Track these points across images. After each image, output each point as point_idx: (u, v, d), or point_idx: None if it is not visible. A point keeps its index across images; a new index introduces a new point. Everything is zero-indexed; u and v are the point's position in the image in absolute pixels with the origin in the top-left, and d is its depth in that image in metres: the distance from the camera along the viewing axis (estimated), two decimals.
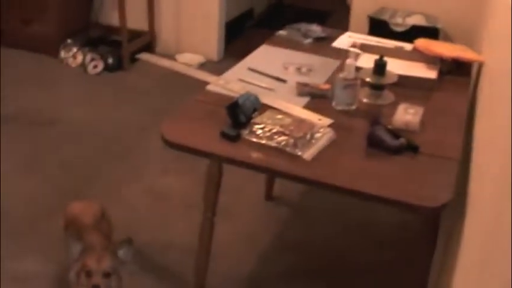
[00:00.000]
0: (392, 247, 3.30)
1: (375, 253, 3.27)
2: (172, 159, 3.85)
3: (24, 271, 3.00)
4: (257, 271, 3.13)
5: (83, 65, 5.15)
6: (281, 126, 2.43)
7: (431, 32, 3.87)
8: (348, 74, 2.60)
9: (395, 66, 2.81)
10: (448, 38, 4.10)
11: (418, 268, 2.45)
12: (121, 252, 2.53)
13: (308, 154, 2.30)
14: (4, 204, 3.40)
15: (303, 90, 2.74)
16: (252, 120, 2.45)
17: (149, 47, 5.53)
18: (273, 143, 2.35)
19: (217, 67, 2.88)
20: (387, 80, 2.73)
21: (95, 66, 5.11)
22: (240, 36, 6.05)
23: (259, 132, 2.39)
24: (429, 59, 3.02)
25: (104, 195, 3.47)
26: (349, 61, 2.60)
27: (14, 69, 5.04)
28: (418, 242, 2.45)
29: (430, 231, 2.37)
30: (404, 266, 3.11)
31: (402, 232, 3.40)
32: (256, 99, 2.51)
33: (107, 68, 5.14)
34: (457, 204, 2.34)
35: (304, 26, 3.42)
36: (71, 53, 5.23)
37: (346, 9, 4.77)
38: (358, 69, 2.66)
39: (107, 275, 2.45)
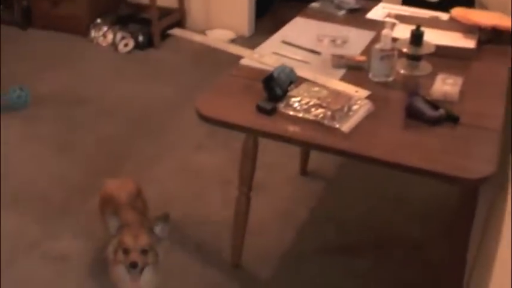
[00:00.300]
0: (429, 221, 3.26)
1: (410, 227, 3.22)
2: (205, 135, 3.84)
3: (62, 250, 3.02)
4: (293, 246, 3.10)
5: (114, 44, 5.15)
6: (318, 98, 2.39)
7: (466, 1, 3.78)
8: (384, 44, 2.54)
9: (432, 36, 2.74)
10: (483, 7, 4.00)
11: (456, 242, 2.40)
12: (157, 229, 2.52)
13: (346, 126, 2.26)
14: (39, 185, 3.42)
15: (339, 62, 2.70)
16: (288, 93, 2.41)
17: (179, 24, 5.50)
18: (310, 116, 2.31)
19: (249, 42, 2.84)
20: (424, 50, 2.66)
21: (126, 45, 5.10)
22: (269, 11, 5.99)
23: (295, 105, 2.36)
24: (467, 29, 2.95)
25: (138, 173, 3.46)
26: (385, 31, 2.54)
27: (45, 51, 5.05)
28: (456, 215, 2.40)
29: (469, 204, 2.32)
30: (441, 241, 3.07)
31: (439, 205, 3.35)
32: (292, 71, 2.47)
33: (138, 46, 5.12)
34: (497, 176, 2.28)
35: None
36: (101, 32, 5.23)
37: None
38: (394, 40, 2.60)
39: (144, 251, 2.45)
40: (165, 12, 5.32)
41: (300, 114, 2.32)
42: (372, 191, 3.48)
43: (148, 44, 5.15)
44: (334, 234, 3.18)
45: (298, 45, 2.86)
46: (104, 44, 5.18)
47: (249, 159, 2.63)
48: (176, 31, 5.28)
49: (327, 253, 3.07)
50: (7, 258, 2.94)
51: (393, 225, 3.24)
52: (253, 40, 4.90)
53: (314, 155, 3.52)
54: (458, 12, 3.06)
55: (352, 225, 3.24)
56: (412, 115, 2.35)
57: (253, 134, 2.49)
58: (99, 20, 5.28)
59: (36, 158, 3.63)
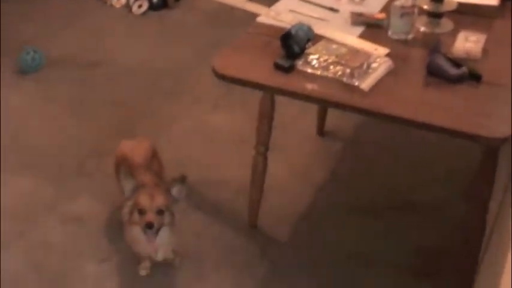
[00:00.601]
0: (447, 183, 3.21)
1: (429, 189, 3.19)
2: (222, 95, 3.80)
3: (78, 212, 3.01)
4: (311, 207, 3.08)
5: (128, 5, 5.08)
6: (336, 56, 2.34)
7: None
8: (404, 1, 2.48)
9: None
10: None
11: (476, 204, 2.36)
12: (174, 190, 2.49)
13: (366, 84, 2.22)
14: (54, 147, 3.40)
15: (357, 19, 2.64)
16: (306, 51, 2.36)
17: None
18: (328, 74, 2.27)
19: (265, 0, 2.78)
20: (446, 7, 2.60)
21: (140, 6, 5.03)
22: None
23: (314, 62, 2.31)
24: None
25: (154, 134, 3.43)
26: None
27: (58, 12, 4.99)
28: (476, 176, 2.35)
29: (489, 165, 2.27)
30: (460, 203, 3.03)
31: (459, 167, 3.30)
32: (310, 29, 2.42)
33: (152, 7, 5.05)
34: None
35: None
36: None
37: None
38: None
39: (160, 212, 2.43)
40: None
41: (318, 72, 2.28)
42: (389, 152, 3.43)
43: (163, 4, 5.08)
44: (351, 195, 3.15)
45: (316, 3, 2.80)
46: (118, 6, 5.11)
47: (266, 118, 2.59)
48: None
49: (344, 214, 3.04)
50: (24, 221, 2.94)
51: (411, 187, 3.20)
52: None
53: (331, 115, 3.47)
54: None
55: (370, 187, 3.21)
56: (434, 73, 2.30)
57: (271, 92, 2.45)
58: None
59: (51, 120, 3.61)
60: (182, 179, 2.49)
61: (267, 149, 2.68)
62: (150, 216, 2.40)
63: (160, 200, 2.43)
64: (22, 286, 2.66)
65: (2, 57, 4.10)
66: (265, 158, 2.71)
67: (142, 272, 2.71)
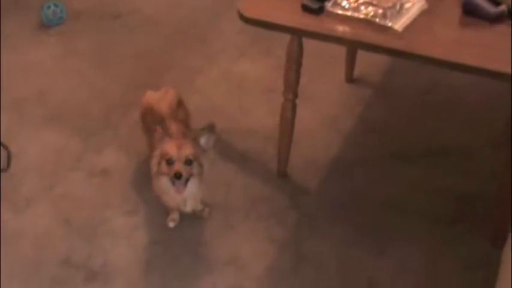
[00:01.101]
0: (480, 129, 3.11)
1: (461, 135, 3.09)
2: (248, 43, 3.70)
3: (104, 165, 2.98)
4: (341, 155, 3.01)
5: None
6: None
7: None
8: None
9: None
10: None
11: (506, 151, 2.28)
12: (203, 140, 2.43)
13: (399, 25, 2.12)
14: (79, 100, 3.35)
15: None
16: None
17: None
18: (360, 15, 2.17)
19: None
20: None
21: None
22: None
23: (344, 3, 2.22)
24: None
25: (179, 84, 3.35)
26: None
27: None
28: (506, 123, 2.26)
29: None
30: (493, 150, 2.95)
31: (490, 113, 3.20)
32: None
33: None
34: None
35: None
36: None
37: None
38: None
39: (188, 162, 2.38)
40: None
41: (349, 13, 2.18)
42: (420, 98, 3.33)
43: None
44: (382, 142, 3.07)
45: None
46: None
47: (294, 64, 2.50)
48: None
49: (375, 161, 2.97)
50: (51, 175, 2.91)
51: (443, 133, 3.11)
52: None
53: (360, 62, 3.37)
54: None
55: (402, 134, 3.12)
56: (470, 11, 2.20)
57: (299, 35, 2.35)
58: None
59: (75, 74, 3.55)
60: (210, 128, 2.43)
61: (295, 96, 2.60)
62: (179, 166, 2.35)
63: (188, 150, 2.37)
64: (51, 241, 2.63)
65: (23, 13, 4.03)
66: (294, 105, 2.64)
67: (171, 224, 2.67)
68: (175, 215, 2.68)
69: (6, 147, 3.01)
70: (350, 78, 3.41)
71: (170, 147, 2.36)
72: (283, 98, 2.65)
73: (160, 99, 2.75)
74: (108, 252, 2.59)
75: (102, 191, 2.85)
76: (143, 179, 2.82)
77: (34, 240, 2.64)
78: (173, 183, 2.39)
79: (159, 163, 2.42)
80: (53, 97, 3.37)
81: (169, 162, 2.37)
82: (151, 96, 2.80)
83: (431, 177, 2.87)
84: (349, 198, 2.80)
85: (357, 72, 3.43)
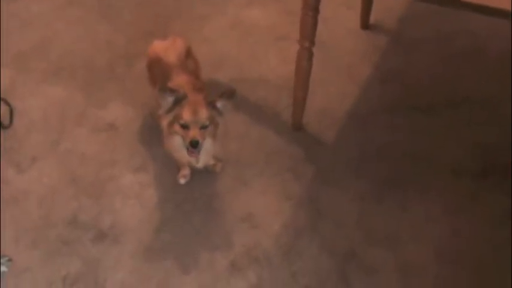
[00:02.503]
0: (497, 78, 2.96)
1: (485, 84, 2.94)
2: None
3: (110, 119, 2.85)
4: (357, 105, 2.88)
5: None
6: None
7: None
8: None
9: None
10: None
11: None
12: (220, 104, 2.28)
13: None
14: (83, 52, 3.20)
15: None
16: None
17: None
18: None
19: None
20: None
21: None
22: None
23: None
24: None
25: (187, 33, 3.20)
26: None
27: None
28: None
29: None
30: (510, 99, 2.81)
31: (508, 63, 3.03)
32: None
33: None
34: None
35: None
36: None
37: None
38: None
39: (204, 126, 2.25)
40: None
41: None
42: (438, 45, 3.17)
43: None
44: (400, 92, 2.93)
45: None
46: None
47: (311, 9, 2.34)
48: None
49: (393, 112, 2.83)
50: (56, 131, 2.79)
51: (466, 82, 2.96)
52: None
53: (376, 7, 3.20)
54: None
55: (420, 83, 2.98)
56: None
57: None
58: None
59: (78, 24, 3.39)
60: (230, 94, 2.26)
61: (312, 44, 2.45)
62: (194, 132, 2.23)
63: (204, 114, 2.23)
64: (58, 200, 2.52)
65: None
66: (311, 54, 2.49)
67: (182, 181, 2.56)
68: (186, 171, 2.56)
69: (8, 103, 2.88)
70: (366, 25, 3.25)
71: (186, 113, 2.22)
72: (298, 46, 2.49)
73: (168, 48, 2.60)
74: (117, 211, 2.48)
75: (108, 147, 2.72)
76: (151, 133, 2.71)
77: (40, 199, 2.53)
78: (187, 148, 2.26)
79: (172, 123, 2.27)
80: (55, 49, 3.22)
81: (184, 126, 2.25)
82: (159, 46, 2.65)
83: (454, 129, 2.74)
84: (367, 151, 2.67)
85: (372, 18, 3.27)
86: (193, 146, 2.23)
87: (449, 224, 2.39)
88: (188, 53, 2.63)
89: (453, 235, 2.36)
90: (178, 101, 2.23)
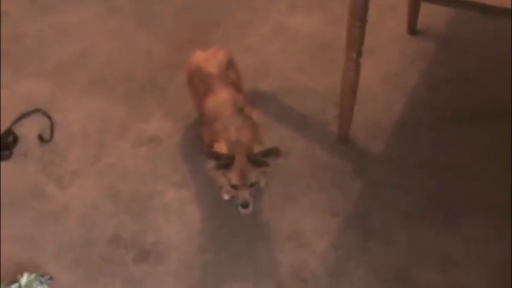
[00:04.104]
0: None
1: None
2: None
3: (151, 132, 2.78)
4: (405, 115, 2.77)
5: None
6: None
7: None
8: None
9: None
10: None
11: None
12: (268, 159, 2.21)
13: None
14: (122, 63, 3.13)
15: None
16: None
17: None
18: None
19: None
20: None
21: None
22: None
23: None
24: None
25: (229, 42, 3.13)
26: None
27: None
28: None
29: None
30: None
31: None
32: None
33: None
34: None
35: None
36: None
37: None
38: None
39: (252, 185, 2.21)
40: None
41: None
42: (490, 53, 3.03)
43: None
44: (449, 102, 2.81)
45: None
46: None
47: (358, 20, 2.25)
48: None
49: (442, 123, 2.72)
50: (96, 145, 2.74)
51: None
52: None
53: (423, 11, 3.08)
54: None
55: (470, 92, 2.85)
56: None
57: None
58: None
59: (116, 35, 3.32)
60: (276, 154, 2.19)
61: (359, 55, 2.36)
62: (245, 195, 2.21)
63: (252, 177, 2.19)
64: (99, 217, 2.47)
65: None
66: (358, 65, 2.39)
67: (226, 197, 2.48)
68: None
69: (48, 116, 2.84)
70: (413, 30, 3.14)
71: (234, 176, 2.18)
72: (343, 54, 2.40)
73: (209, 59, 2.54)
74: (160, 229, 2.42)
75: (150, 161, 2.66)
76: (192, 146, 2.66)
77: (80, 216, 2.47)
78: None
79: (220, 172, 2.21)
80: (95, 60, 3.16)
81: (234, 187, 2.22)
82: (200, 57, 2.59)
83: (504, 139, 2.61)
84: (416, 165, 2.57)
85: (420, 23, 3.15)
86: (244, 207, 2.20)
87: (505, 247, 2.27)
88: (230, 64, 2.56)
89: (508, 256, 2.24)
90: (226, 165, 2.16)
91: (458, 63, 3.00)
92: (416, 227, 2.35)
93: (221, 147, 2.18)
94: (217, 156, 2.15)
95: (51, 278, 2.27)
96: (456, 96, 2.84)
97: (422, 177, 2.51)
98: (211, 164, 2.16)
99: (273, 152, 2.16)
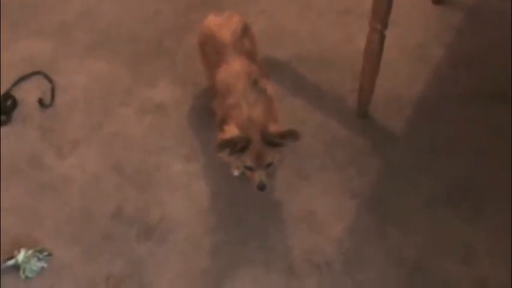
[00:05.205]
0: None
1: None
2: None
3: (157, 98, 2.64)
4: (427, 92, 2.61)
5: None
6: None
7: None
8: None
9: None
10: None
11: None
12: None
13: None
14: (129, 25, 2.96)
15: None
16: None
17: None
18: None
19: None
20: None
21: None
22: None
23: None
24: None
25: (243, 4, 2.95)
26: None
27: None
28: None
29: None
30: None
31: None
32: None
33: None
34: None
35: None
36: None
37: None
38: None
39: (269, 165, 2.05)
40: None
41: None
42: None
43: None
44: (475, 78, 2.64)
45: None
46: None
47: None
48: None
49: (468, 100, 2.56)
50: (99, 111, 2.59)
51: None
52: None
53: None
54: None
55: (498, 67, 2.68)
56: None
57: None
58: None
59: None
60: (294, 137, 1.99)
61: (385, 26, 2.19)
62: (261, 176, 2.04)
63: (269, 157, 2.02)
64: (101, 190, 2.34)
65: None
66: (383, 37, 2.22)
67: (236, 172, 2.34)
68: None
69: (49, 79, 2.68)
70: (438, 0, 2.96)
71: (249, 159, 2.01)
72: (363, 21, 2.23)
73: (223, 25, 2.36)
74: (165, 205, 2.29)
75: (156, 131, 2.52)
76: (201, 117, 2.51)
77: (81, 188, 2.34)
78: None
79: (234, 156, 2.03)
80: (100, 20, 2.99)
81: (249, 168, 2.05)
82: (213, 22, 2.41)
83: None
84: (439, 144, 2.42)
85: None
86: (261, 189, 2.04)
87: None
88: (245, 31, 2.38)
89: None
90: (241, 149, 2.00)
91: (485, 36, 2.82)
92: (437, 214, 2.22)
93: (232, 130, 2.02)
94: (231, 143, 1.99)
95: (49, 255, 2.16)
96: (482, 72, 2.67)
97: (445, 159, 2.36)
98: (225, 152, 2.00)
99: (291, 135, 1.98)
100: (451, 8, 2.95)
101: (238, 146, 1.96)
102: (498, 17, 2.88)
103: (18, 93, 2.65)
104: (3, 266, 2.10)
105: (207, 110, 2.33)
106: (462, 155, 2.37)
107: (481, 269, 2.08)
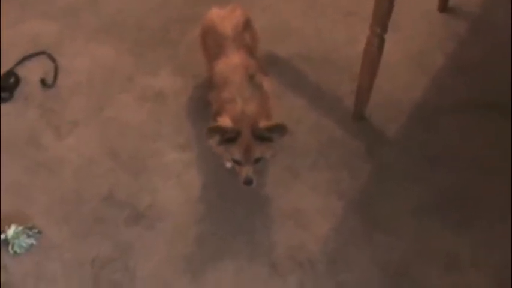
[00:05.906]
0: None
1: None
2: None
3: (158, 87, 2.67)
4: (426, 98, 2.62)
5: None
6: None
7: None
8: None
9: None
10: None
11: None
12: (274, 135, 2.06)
13: None
14: (134, 14, 2.98)
15: None
16: None
17: None
18: None
19: None
20: None
21: None
22: None
23: None
24: None
25: (248, 1, 2.95)
26: None
27: None
28: None
29: None
30: None
31: None
32: None
33: None
34: None
35: None
36: None
37: None
38: None
39: (257, 160, 2.07)
40: None
41: None
42: None
43: None
44: (475, 87, 2.65)
45: None
46: None
47: None
48: None
49: (465, 109, 2.57)
50: (100, 95, 2.62)
51: None
52: None
53: None
54: None
55: (498, 78, 2.69)
56: None
57: None
58: None
59: None
60: (282, 131, 2.02)
61: (385, 30, 2.20)
62: (248, 170, 2.07)
63: (257, 153, 2.05)
64: (95, 172, 2.37)
65: None
66: (382, 41, 2.24)
67: (228, 164, 2.36)
68: None
69: (53, 59, 2.72)
70: (443, 7, 2.97)
71: (237, 151, 2.04)
72: (367, 24, 2.24)
73: (225, 18, 2.38)
74: (156, 192, 2.32)
75: (153, 118, 2.55)
76: (199, 108, 2.53)
77: (75, 170, 2.38)
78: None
79: (223, 146, 2.06)
80: (107, 4, 3.01)
81: (237, 162, 2.08)
82: (216, 14, 2.43)
83: None
84: (433, 153, 2.44)
85: (452, 0, 2.97)
86: (247, 184, 2.07)
87: None
88: (246, 26, 2.41)
89: None
90: (231, 139, 2.02)
91: (488, 46, 2.83)
92: (424, 221, 2.24)
93: (225, 120, 2.04)
94: (221, 131, 2.02)
95: (39, 232, 2.20)
96: (481, 83, 2.68)
97: (438, 168, 2.38)
98: (215, 138, 2.03)
99: (279, 128, 2.01)
100: (457, 16, 2.95)
101: (227, 135, 1.99)
102: (502, 28, 2.89)
103: (22, 72, 2.68)
104: None
105: (205, 101, 2.35)
106: (455, 164, 2.39)
107: (461, 279, 2.10)
